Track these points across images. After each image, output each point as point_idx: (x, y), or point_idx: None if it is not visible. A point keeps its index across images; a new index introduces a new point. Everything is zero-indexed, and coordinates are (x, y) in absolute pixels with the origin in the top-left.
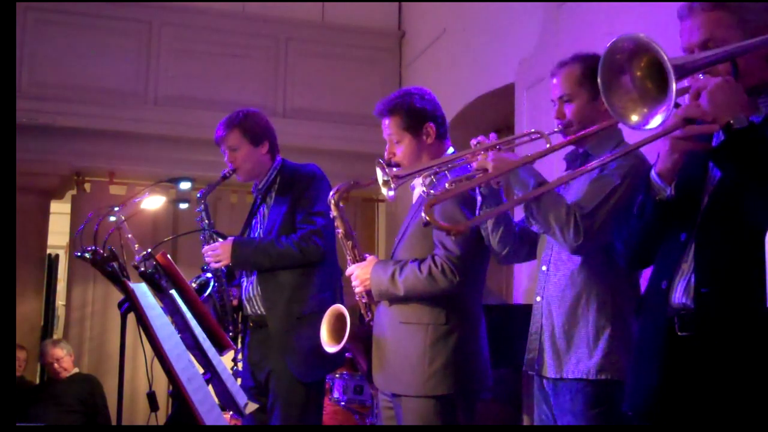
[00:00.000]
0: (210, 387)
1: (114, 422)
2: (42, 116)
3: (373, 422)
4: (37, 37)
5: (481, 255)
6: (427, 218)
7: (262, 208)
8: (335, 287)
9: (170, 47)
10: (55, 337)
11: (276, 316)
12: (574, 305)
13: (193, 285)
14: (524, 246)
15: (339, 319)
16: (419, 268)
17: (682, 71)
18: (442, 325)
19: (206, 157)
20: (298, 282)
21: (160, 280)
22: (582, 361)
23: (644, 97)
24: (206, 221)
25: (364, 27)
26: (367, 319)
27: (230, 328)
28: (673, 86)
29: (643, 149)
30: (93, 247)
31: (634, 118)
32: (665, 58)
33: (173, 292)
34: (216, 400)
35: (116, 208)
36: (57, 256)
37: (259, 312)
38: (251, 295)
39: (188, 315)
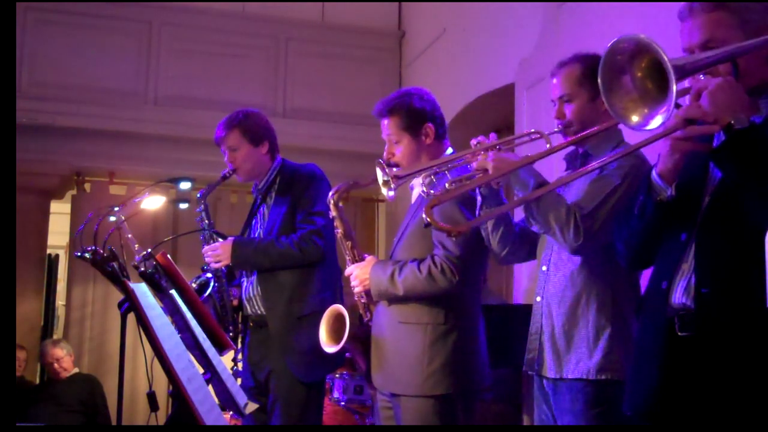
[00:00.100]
0: (210, 387)
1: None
2: (42, 116)
3: (373, 422)
4: (37, 37)
5: (479, 255)
6: (428, 219)
7: (262, 208)
8: (335, 287)
9: (170, 47)
10: (55, 337)
11: (276, 316)
12: (574, 305)
13: (194, 285)
14: (524, 246)
15: (338, 319)
16: (418, 268)
17: (683, 72)
18: (441, 324)
19: (206, 157)
20: (298, 282)
21: (160, 280)
22: (582, 361)
23: (645, 97)
24: (206, 221)
25: (364, 27)
26: (366, 319)
27: (230, 328)
28: (674, 87)
29: (643, 150)
30: (93, 247)
31: (635, 118)
32: (665, 58)
33: (173, 292)
34: (216, 400)
35: (116, 208)
36: (57, 256)
37: (259, 312)
38: (251, 295)
39: (188, 315)
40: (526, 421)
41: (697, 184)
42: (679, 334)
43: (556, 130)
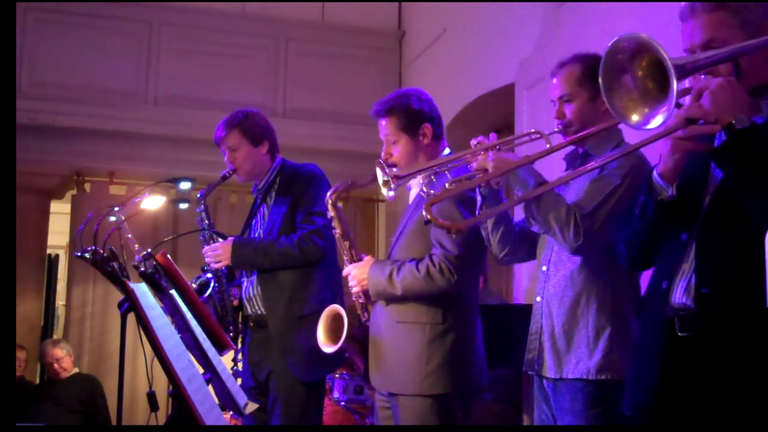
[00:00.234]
0: (210, 387)
1: (114, 422)
2: (42, 116)
3: (373, 422)
4: (37, 37)
5: (478, 254)
6: (428, 216)
7: (262, 208)
8: (335, 287)
9: (170, 47)
10: (55, 337)
11: (276, 316)
12: (574, 305)
13: (194, 285)
14: (524, 246)
15: (336, 319)
16: (417, 268)
17: (683, 71)
18: (439, 324)
19: (206, 157)
20: (298, 282)
21: (160, 280)
22: (582, 361)
23: (645, 96)
24: (206, 221)
25: (364, 27)
26: (364, 319)
27: (230, 328)
28: (674, 85)
29: (644, 149)
30: (93, 247)
31: (635, 117)
32: (666, 57)
33: (173, 292)
34: (216, 400)
35: (116, 208)
36: (57, 256)
37: (259, 312)
38: (251, 295)
39: (188, 315)
40: (526, 421)
41: (698, 184)
42: (679, 334)
43: (556, 130)
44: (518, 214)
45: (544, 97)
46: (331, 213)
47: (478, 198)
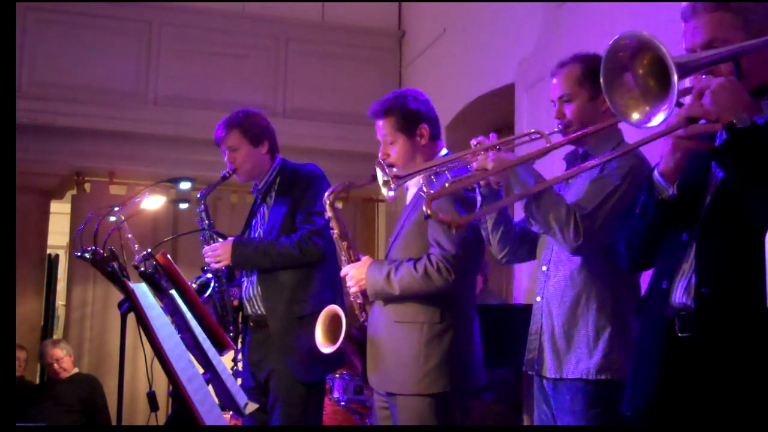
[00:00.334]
0: (210, 387)
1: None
2: (42, 116)
3: (373, 422)
4: (37, 37)
5: (475, 254)
6: (429, 211)
7: (262, 208)
8: (335, 287)
9: (170, 47)
10: (55, 337)
11: (276, 316)
12: (574, 305)
13: (194, 285)
14: (524, 246)
15: (334, 319)
16: (415, 267)
17: (685, 69)
18: (437, 323)
19: (206, 157)
20: (298, 282)
21: (160, 280)
22: (582, 361)
23: (646, 94)
24: (206, 221)
25: (364, 27)
26: (362, 319)
27: (230, 328)
28: (675, 84)
29: (644, 149)
30: (93, 247)
31: (636, 115)
32: (667, 55)
33: (173, 292)
34: (216, 400)
35: (116, 208)
36: (57, 256)
37: (259, 312)
38: (251, 295)
39: (188, 315)
40: (526, 421)
41: (699, 184)
42: (680, 334)
43: (556, 130)
44: (518, 214)
45: (544, 97)
46: (328, 213)
47: (478, 198)
